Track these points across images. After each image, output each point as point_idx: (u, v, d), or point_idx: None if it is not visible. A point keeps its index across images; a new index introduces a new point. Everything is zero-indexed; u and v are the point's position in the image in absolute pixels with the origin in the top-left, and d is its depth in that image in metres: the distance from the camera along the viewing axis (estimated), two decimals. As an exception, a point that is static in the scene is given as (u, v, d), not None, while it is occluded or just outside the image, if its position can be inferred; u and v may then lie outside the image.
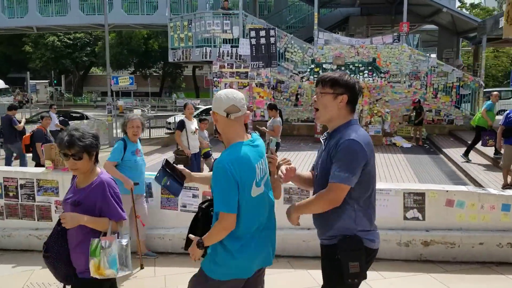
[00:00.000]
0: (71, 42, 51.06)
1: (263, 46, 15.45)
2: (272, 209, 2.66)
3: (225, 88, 16.05)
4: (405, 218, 5.13)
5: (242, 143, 2.44)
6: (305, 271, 4.77)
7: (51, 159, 5.84)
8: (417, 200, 5.09)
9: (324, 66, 15.31)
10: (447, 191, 5.10)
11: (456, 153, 12.58)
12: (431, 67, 16.24)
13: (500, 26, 12.36)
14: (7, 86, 45.02)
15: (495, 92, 11.50)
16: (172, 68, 52.99)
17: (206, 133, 9.28)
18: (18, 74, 56.72)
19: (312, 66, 15.43)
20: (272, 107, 9.98)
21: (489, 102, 10.84)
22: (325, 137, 2.66)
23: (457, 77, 16.24)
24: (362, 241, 2.49)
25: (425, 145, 14.85)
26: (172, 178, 2.54)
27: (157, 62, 53.43)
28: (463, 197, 5.06)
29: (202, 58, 17.59)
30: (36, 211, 5.75)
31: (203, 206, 2.66)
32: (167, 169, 2.55)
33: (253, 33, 15.55)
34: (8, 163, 11.03)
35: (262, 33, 15.45)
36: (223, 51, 17.15)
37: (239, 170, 2.35)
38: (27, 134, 10.15)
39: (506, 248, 4.99)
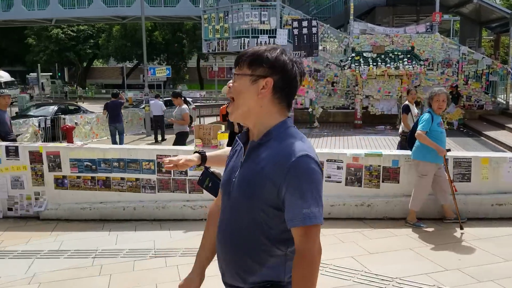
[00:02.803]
0: (75, 34, 51.02)
1: (305, 36, 16.11)
2: None
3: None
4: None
5: None
6: None
7: (200, 138, 6.49)
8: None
9: (364, 54, 16.01)
10: None
11: (498, 135, 13.40)
12: (462, 54, 17.04)
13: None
14: (12, 79, 45.00)
15: None
16: (175, 60, 53.25)
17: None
18: (11, 67, 56.31)
19: (353, 54, 16.12)
20: (176, 95, 9.86)
21: None
22: (241, 140, 1.85)
23: (486, 65, 17.06)
24: None
25: (461, 128, 15.68)
26: (213, 179, 2.51)
27: (160, 54, 53.64)
28: None
29: (240, 48, 18.13)
30: (188, 184, 6.39)
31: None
32: (209, 171, 2.59)
33: (295, 24, 16.20)
34: (114, 140, 13.67)
35: (305, 23, 16.11)
36: (260, 41, 17.73)
37: None
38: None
39: None
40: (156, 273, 4.53)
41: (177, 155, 2.72)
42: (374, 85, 16.24)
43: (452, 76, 17.11)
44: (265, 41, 17.68)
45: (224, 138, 6.40)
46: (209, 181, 2.50)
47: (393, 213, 5.94)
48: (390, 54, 15.89)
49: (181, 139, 9.59)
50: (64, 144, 9.71)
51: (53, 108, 19.42)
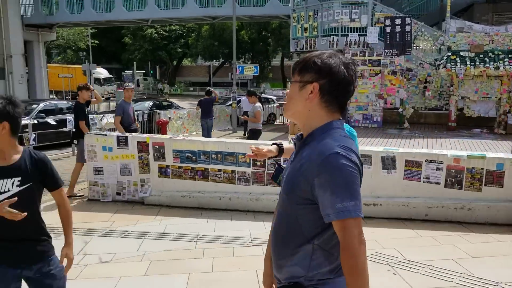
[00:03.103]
0: (167, 34, 53.68)
1: (397, 34, 15.69)
2: None
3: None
4: None
5: None
6: None
7: (294, 134, 6.65)
8: None
9: (461, 53, 15.25)
10: None
11: None
12: None
13: None
14: (110, 76, 48.28)
15: None
16: (260, 59, 54.12)
17: None
18: (108, 65, 60.33)
19: (449, 53, 15.41)
20: (251, 93, 10.06)
21: None
22: (295, 139, 1.95)
23: None
24: None
25: None
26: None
27: (246, 53, 54.82)
28: None
29: (329, 47, 18.04)
30: (281, 179, 6.56)
31: None
32: (282, 167, 2.53)
33: (388, 21, 15.82)
34: (204, 134, 14.19)
35: (398, 21, 15.69)
36: (350, 39, 17.53)
37: None
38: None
39: None
40: (255, 260, 4.74)
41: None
42: (471, 86, 15.42)
43: (559, 77, 15.74)
44: (355, 39, 17.46)
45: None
46: (282, 177, 2.63)
47: (495, 219, 5.68)
48: (490, 54, 14.98)
49: (254, 136, 9.80)
50: (169, 136, 10.33)
51: (149, 104, 20.70)
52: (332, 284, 1.78)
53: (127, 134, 7.52)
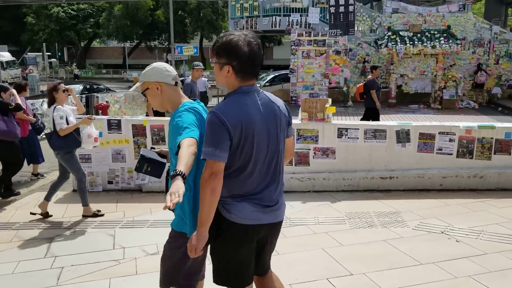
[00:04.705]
0: (75, 13, 50.15)
1: (341, 14, 16.08)
2: None
3: (302, 56, 16.70)
4: None
5: (189, 101, 2.61)
6: None
7: (306, 111, 6.54)
8: None
9: (401, 33, 16.06)
10: None
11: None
12: (494, 34, 17.16)
13: None
14: (14, 59, 44.17)
15: None
16: (178, 40, 52.69)
17: None
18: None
19: (389, 33, 16.14)
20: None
21: None
22: None
23: (518, 44, 17.24)
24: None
25: (492, 106, 15.97)
26: (152, 162, 2.63)
27: (162, 33, 53.02)
28: None
29: (272, 27, 18.05)
30: (295, 157, 6.46)
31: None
32: (146, 156, 2.68)
33: (332, 2, 16.13)
34: None
35: (341, 1, 16.05)
36: (292, 20, 17.66)
37: None
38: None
39: None
40: (308, 240, 4.63)
41: None
42: (409, 64, 16.33)
43: (483, 55, 17.25)
44: (297, 20, 17.61)
45: (332, 111, 6.48)
46: (147, 166, 2.64)
47: (505, 184, 6.09)
48: (426, 33, 15.95)
49: None
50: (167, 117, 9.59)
51: (79, 87, 19.28)
52: (230, 205, 2.35)
53: (119, 117, 6.91)
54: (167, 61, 22.09)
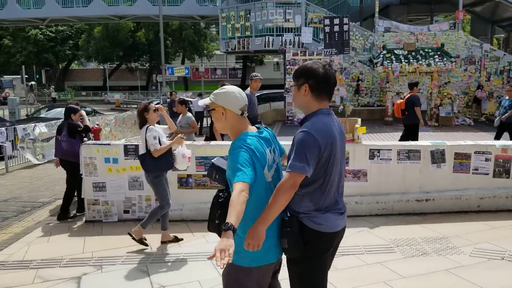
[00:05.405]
0: (53, 35, 49.39)
1: (336, 33, 16.08)
2: None
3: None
4: None
5: (251, 133, 2.56)
6: None
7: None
8: None
9: (395, 51, 16.11)
10: None
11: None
12: (485, 52, 17.40)
13: None
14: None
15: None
16: (158, 61, 52.27)
17: None
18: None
19: (384, 52, 16.17)
20: (182, 102, 8.34)
21: None
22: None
23: (507, 61, 17.49)
24: (301, 221, 2.54)
25: (487, 122, 16.06)
26: (221, 172, 2.68)
27: (143, 55, 52.59)
28: None
29: (264, 47, 17.95)
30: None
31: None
32: (216, 165, 2.76)
33: (327, 21, 16.15)
34: None
35: (336, 21, 16.09)
36: (285, 39, 17.59)
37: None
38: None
39: None
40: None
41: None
42: (404, 82, 16.34)
43: (475, 73, 17.44)
44: (290, 39, 17.55)
45: (363, 132, 6.23)
46: (215, 174, 2.75)
47: (544, 204, 5.91)
48: (421, 51, 16.05)
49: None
50: (190, 141, 9.22)
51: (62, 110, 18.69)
52: (318, 218, 2.56)
53: (136, 143, 6.50)
54: (156, 82, 21.73)
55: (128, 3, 25.44)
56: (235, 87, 2.67)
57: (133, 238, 5.18)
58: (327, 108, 2.61)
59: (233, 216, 2.21)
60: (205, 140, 7.72)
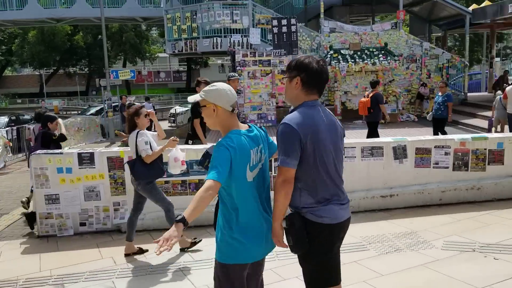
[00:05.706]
0: (-16, 40, 46.54)
1: (284, 34, 16.15)
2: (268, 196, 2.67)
3: (248, 77, 16.49)
4: None
5: (240, 131, 2.53)
6: None
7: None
8: None
9: (342, 51, 16.41)
10: None
11: (476, 123, 14.45)
12: (425, 50, 18.10)
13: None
14: None
15: None
16: (98, 65, 50.52)
17: None
18: None
19: (331, 52, 16.42)
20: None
21: None
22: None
23: (446, 59, 18.30)
24: (304, 217, 2.54)
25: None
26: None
27: (82, 59, 50.59)
28: None
29: (213, 48, 17.73)
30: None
31: None
32: (210, 153, 2.72)
33: (275, 22, 16.19)
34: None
35: (284, 22, 16.19)
36: (233, 40, 17.47)
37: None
38: None
39: None
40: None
41: None
42: (351, 81, 16.69)
43: (416, 70, 18.10)
44: (238, 41, 17.45)
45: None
46: (208, 162, 2.71)
47: (501, 194, 6.14)
48: (366, 51, 16.44)
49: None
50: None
51: (4, 120, 17.61)
52: (320, 210, 2.56)
53: (91, 150, 6.11)
54: (99, 86, 21.03)
55: (65, 5, 24.30)
56: (225, 84, 2.63)
57: (129, 255, 5.00)
58: (313, 100, 2.61)
59: (189, 210, 2.26)
60: (187, 137, 7.45)
